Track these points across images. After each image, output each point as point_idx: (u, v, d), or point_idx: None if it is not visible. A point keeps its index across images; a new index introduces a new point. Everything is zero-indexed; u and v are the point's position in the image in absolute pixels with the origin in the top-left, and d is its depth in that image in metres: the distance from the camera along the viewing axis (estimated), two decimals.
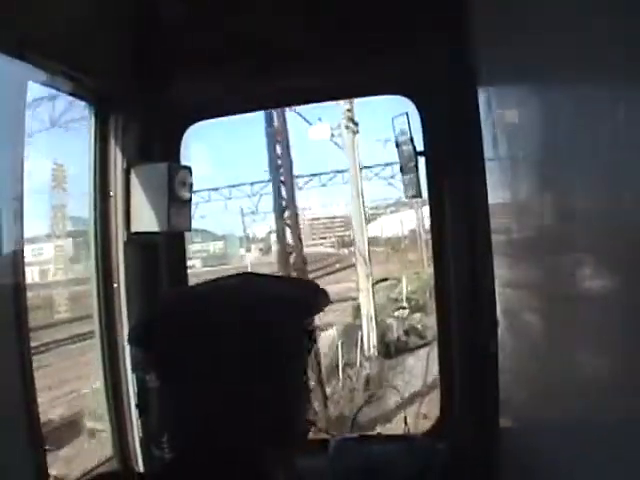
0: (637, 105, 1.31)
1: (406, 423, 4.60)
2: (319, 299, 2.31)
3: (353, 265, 44.23)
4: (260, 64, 4.45)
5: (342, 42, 4.34)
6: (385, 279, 39.63)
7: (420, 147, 4.58)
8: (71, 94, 4.54)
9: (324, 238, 58.38)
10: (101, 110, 4.64)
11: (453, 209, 4.40)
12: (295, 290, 2.32)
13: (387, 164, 38.24)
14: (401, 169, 4.72)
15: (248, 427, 2.04)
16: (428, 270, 35.58)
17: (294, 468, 2.33)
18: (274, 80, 4.68)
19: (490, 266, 3.62)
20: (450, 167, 4.38)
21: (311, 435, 4.75)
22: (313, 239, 57.60)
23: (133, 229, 4.66)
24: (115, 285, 4.65)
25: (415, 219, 44.13)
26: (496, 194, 3.43)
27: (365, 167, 35.87)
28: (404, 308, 33.78)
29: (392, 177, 39.21)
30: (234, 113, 5.50)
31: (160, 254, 4.91)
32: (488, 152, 3.44)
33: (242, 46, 4.36)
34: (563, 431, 2.17)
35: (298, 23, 4.35)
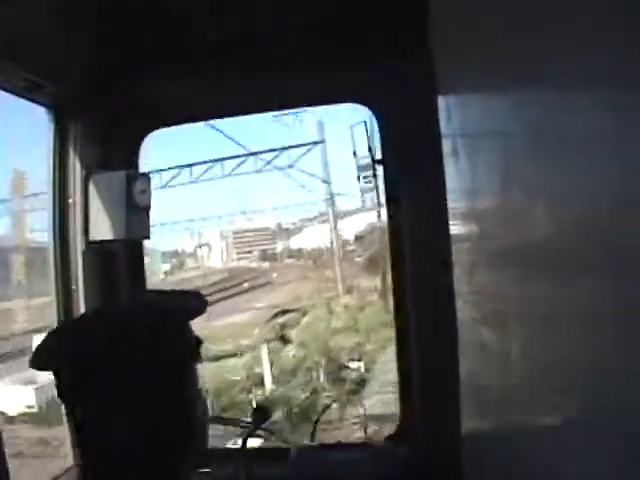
0: (599, 109, 1.32)
1: (366, 431, 4.61)
2: (196, 305, 2.44)
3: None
4: (216, 73, 4.45)
5: (301, 49, 4.35)
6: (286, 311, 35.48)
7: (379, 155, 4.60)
8: (30, 99, 4.51)
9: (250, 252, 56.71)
10: (60, 116, 4.62)
11: (411, 217, 4.42)
12: (170, 301, 2.46)
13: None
14: (358, 178, 4.73)
15: (150, 436, 2.13)
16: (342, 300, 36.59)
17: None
18: (236, 89, 4.68)
19: (449, 274, 3.63)
20: (408, 175, 4.39)
21: (272, 444, 4.76)
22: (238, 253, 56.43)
23: (91, 237, 4.64)
24: (74, 287, 4.63)
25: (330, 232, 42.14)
26: (455, 202, 3.45)
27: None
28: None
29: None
30: (191, 121, 5.49)
31: (118, 261, 4.89)
32: (447, 160, 3.46)
33: (202, 54, 4.36)
34: (526, 435, 2.18)
35: (251, 32, 4.35)
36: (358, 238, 40.73)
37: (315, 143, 35.65)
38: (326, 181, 36.91)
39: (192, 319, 2.34)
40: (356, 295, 37.44)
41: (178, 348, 2.24)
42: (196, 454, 2.32)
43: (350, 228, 42.42)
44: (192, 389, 2.28)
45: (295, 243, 49.92)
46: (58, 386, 2.20)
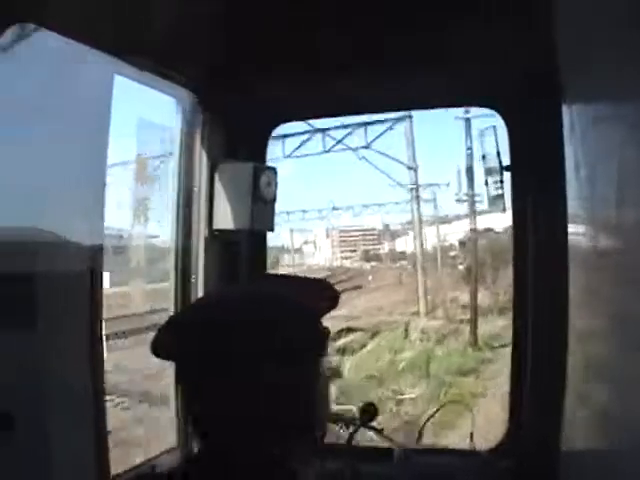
0: None
1: (472, 438, 4.56)
2: (331, 299, 2.37)
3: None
4: (347, 69, 4.46)
5: (434, 51, 4.33)
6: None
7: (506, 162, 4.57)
8: (161, 90, 4.58)
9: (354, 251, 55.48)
10: (189, 107, 4.69)
11: (535, 224, 4.37)
12: (303, 291, 2.36)
13: None
14: (486, 183, 4.70)
15: (268, 427, 2.10)
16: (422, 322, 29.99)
17: (313, 467, 2.37)
18: (359, 85, 4.68)
19: (566, 284, 3.59)
20: (534, 182, 4.35)
21: (377, 443, 4.75)
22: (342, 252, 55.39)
23: (215, 226, 4.70)
24: (193, 277, 4.70)
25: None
26: (575, 213, 3.41)
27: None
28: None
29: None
30: (320, 116, 5.52)
31: (241, 252, 4.94)
32: (569, 171, 3.43)
33: (331, 50, 4.38)
34: (630, 457, 2.14)
35: (383, 33, 4.35)
36: (462, 244, 37.21)
37: (397, 120, 29.64)
38: (412, 167, 31.69)
39: (323, 316, 2.28)
40: (442, 315, 31.34)
41: (305, 344, 2.19)
42: (313, 447, 2.30)
43: (455, 233, 39.10)
44: (314, 384, 2.23)
45: (400, 245, 48.61)
46: (177, 373, 2.24)
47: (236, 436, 2.09)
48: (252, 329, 2.08)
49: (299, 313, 2.20)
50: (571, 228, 3.59)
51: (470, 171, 28.93)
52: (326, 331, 2.26)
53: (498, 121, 4.65)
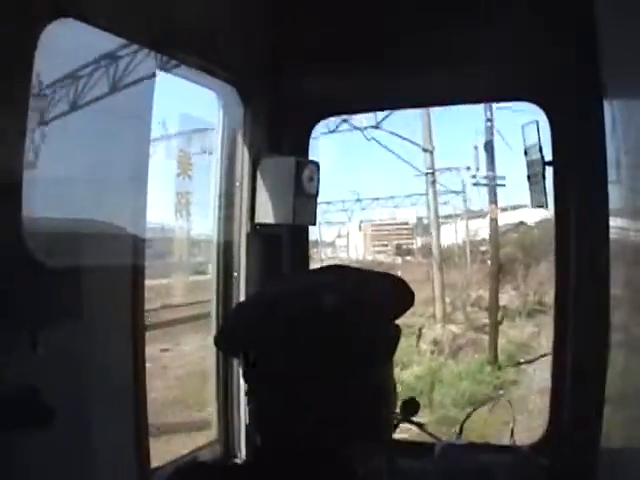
0: None
1: (512, 435, 4.55)
2: (407, 298, 2.28)
3: None
4: (391, 64, 4.46)
5: (474, 47, 4.33)
6: None
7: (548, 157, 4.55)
8: (202, 85, 4.61)
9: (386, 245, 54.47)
10: (231, 101, 4.71)
11: (577, 220, 4.36)
12: (385, 288, 2.26)
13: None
14: (528, 178, 4.68)
15: (336, 426, 2.05)
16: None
17: (380, 468, 2.33)
18: (401, 81, 4.69)
19: (607, 281, 3.58)
20: (576, 178, 4.34)
21: (418, 438, 4.76)
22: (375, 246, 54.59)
23: (257, 220, 4.72)
24: (235, 274, 4.72)
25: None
26: (615, 214, 3.40)
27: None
28: None
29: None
30: (363, 111, 5.53)
31: (283, 247, 4.97)
32: (611, 167, 3.41)
33: (374, 45, 4.39)
34: None
35: (429, 27, 4.35)
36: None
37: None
38: (427, 149, 26.85)
39: (398, 317, 2.21)
40: (462, 319, 27.09)
41: (381, 345, 2.13)
42: (372, 452, 2.24)
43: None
44: (382, 386, 2.17)
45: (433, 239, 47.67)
46: (244, 368, 2.16)
47: (302, 434, 2.06)
48: (328, 326, 2.02)
49: (378, 313, 2.14)
50: (612, 225, 3.58)
51: (490, 147, 24.50)
52: (399, 331, 2.21)
53: (540, 116, 4.63)
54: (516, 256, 29.62)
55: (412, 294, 2.29)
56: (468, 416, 4.76)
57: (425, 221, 35.61)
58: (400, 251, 50.78)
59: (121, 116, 3.75)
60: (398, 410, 4.27)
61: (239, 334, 2.16)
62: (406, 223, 44.56)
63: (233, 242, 4.76)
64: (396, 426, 4.22)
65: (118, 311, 3.70)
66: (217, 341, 2.22)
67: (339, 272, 2.33)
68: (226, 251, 4.76)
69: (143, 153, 3.88)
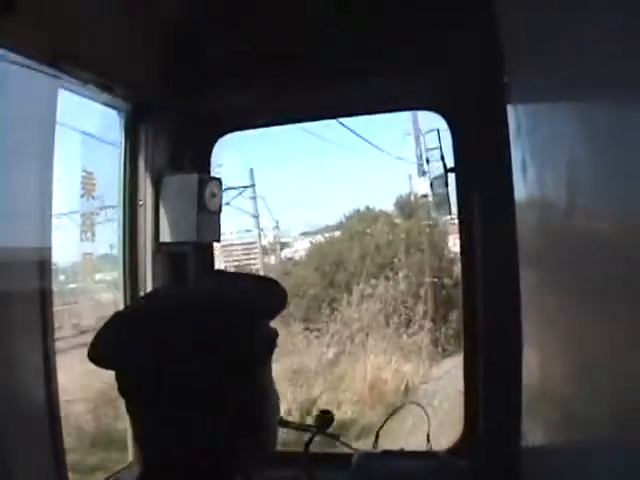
0: None
1: (429, 440, 4.57)
2: (281, 299, 2.26)
3: None
4: (293, 77, 4.47)
5: (374, 56, 4.35)
6: None
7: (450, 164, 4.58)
8: (102, 103, 4.56)
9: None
10: (132, 119, 4.67)
11: (482, 226, 4.40)
12: (256, 289, 2.25)
13: None
14: (431, 185, 4.72)
15: (216, 434, 2.01)
16: None
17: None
18: (306, 93, 4.69)
19: (517, 286, 3.60)
20: (479, 185, 4.37)
21: (335, 449, 4.74)
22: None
23: (162, 239, 4.68)
24: (142, 294, 4.67)
25: None
26: (523, 215, 3.43)
27: None
28: None
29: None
30: (265, 125, 5.50)
31: (188, 264, 4.93)
32: (516, 171, 3.44)
33: (275, 58, 4.38)
34: (591, 456, 2.14)
35: (328, 35, 4.37)
36: None
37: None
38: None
39: (272, 318, 2.19)
40: None
41: (251, 346, 2.08)
42: (262, 457, 2.21)
43: None
44: (264, 388, 2.15)
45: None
46: (118, 383, 2.06)
47: (185, 447, 1.99)
48: (197, 330, 1.97)
49: (250, 313, 2.10)
50: (519, 231, 3.61)
51: None
52: (275, 333, 2.19)
53: (440, 123, 4.67)
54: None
55: (285, 295, 2.27)
56: (383, 423, 4.77)
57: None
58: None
59: (23, 137, 3.69)
60: (313, 423, 4.27)
61: (107, 348, 2.06)
62: (253, 243, 43.66)
63: (139, 261, 4.70)
64: (311, 439, 4.21)
65: (26, 338, 3.64)
66: (89, 354, 2.14)
67: (216, 277, 2.37)
68: (132, 271, 4.71)
69: (47, 176, 3.82)
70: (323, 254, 30.24)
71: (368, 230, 30.68)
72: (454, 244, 30.96)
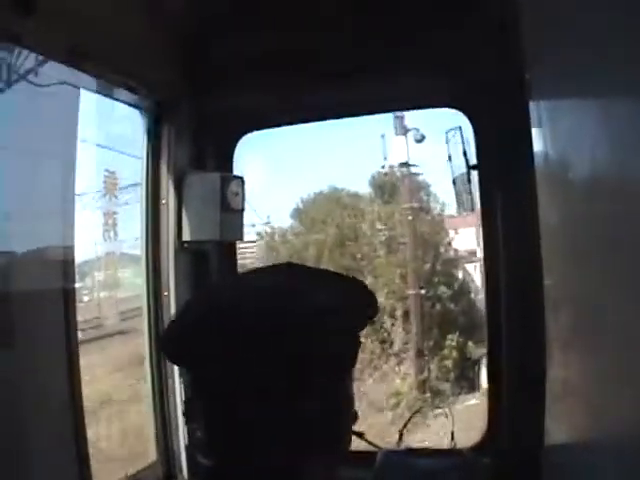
0: None
1: (452, 437, 4.55)
2: (373, 306, 2.09)
3: None
4: (314, 76, 4.46)
5: (395, 55, 4.35)
6: None
7: (473, 161, 4.57)
8: (125, 102, 4.57)
9: None
10: (154, 118, 4.68)
11: (505, 223, 4.38)
12: (349, 295, 2.05)
13: None
14: (453, 182, 4.70)
15: (291, 443, 1.91)
16: None
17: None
18: (328, 92, 4.69)
19: (540, 283, 3.59)
20: (502, 181, 4.36)
21: (358, 447, 4.75)
22: None
23: (184, 238, 4.69)
24: (165, 293, 4.67)
25: None
26: (547, 209, 3.41)
27: None
28: None
29: None
30: (287, 124, 5.50)
31: (211, 263, 4.93)
32: (539, 167, 3.42)
33: (296, 57, 4.38)
34: (611, 455, 2.13)
35: (349, 35, 4.37)
36: None
37: None
38: None
39: (361, 328, 2.06)
40: None
41: (343, 357, 1.98)
42: (340, 459, 2.13)
43: None
44: (345, 393, 2.03)
45: None
46: (190, 380, 1.99)
47: (258, 449, 1.91)
48: (279, 336, 1.85)
49: (338, 321, 1.94)
50: (543, 226, 3.59)
51: None
52: (359, 342, 2.04)
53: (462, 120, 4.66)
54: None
55: (376, 301, 2.12)
56: (407, 421, 4.76)
57: None
58: None
59: (46, 137, 3.71)
60: None
61: (182, 345, 1.98)
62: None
63: (161, 260, 4.71)
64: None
65: (50, 336, 3.65)
66: (163, 347, 2.03)
67: (293, 272, 2.12)
68: (155, 270, 4.71)
69: (69, 175, 3.83)
70: (271, 252, 24.86)
71: (330, 219, 24.84)
72: (456, 240, 26.28)
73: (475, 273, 28.26)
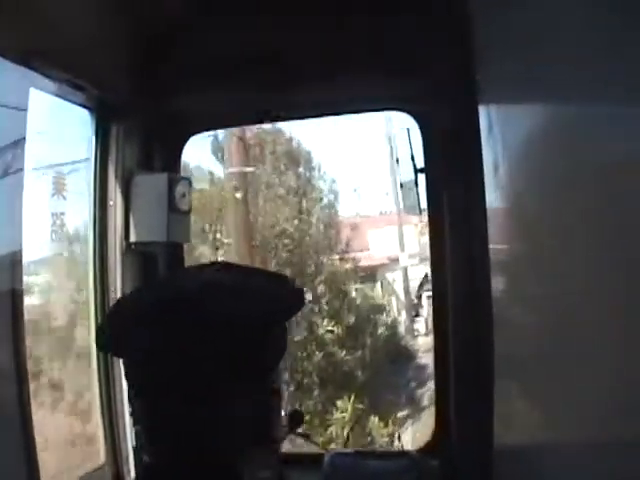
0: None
1: (399, 439, 4.58)
2: (299, 298, 2.13)
3: None
4: (261, 78, 4.46)
5: (343, 57, 4.35)
6: None
7: (420, 164, 4.59)
8: (73, 102, 4.54)
9: None
10: (103, 118, 4.65)
11: (452, 226, 4.40)
12: (276, 287, 2.08)
13: None
14: (401, 185, 4.72)
15: (225, 435, 1.93)
16: None
17: (273, 474, 2.23)
18: (274, 94, 4.68)
19: (488, 283, 3.61)
20: (450, 184, 4.38)
21: (305, 449, 4.75)
22: None
23: (132, 239, 4.67)
24: (112, 294, 4.65)
25: None
26: (495, 212, 3.43)
27: None
28: None
29: None
30: (234, 125, 5.51)
31: (158, 265, 4.91)
32: (488, 170, 3.44)
33: (244, 59, 4.38)
34: (562, 454, 2.15)
35: (299, 37, 4.37)
36: None
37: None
38: None
39: (288, 318, 2.07)
40: None
41: (269, 341, 1.99)
42: (266, 459, 2.14)
43: None
44: (273, 384, 2.03)
45: None
46: (126, 371, 1.98)
47: (188, 442, 1.91)
48: (216, 324, 1.86)
49: (268, 314, 1.97)
50: (490, 231, 3.61)
51: None
52: (286, 336, 2.07)
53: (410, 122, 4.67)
54: None
55: (302, 293, 2.16)
56: (354, 424, 4.77)
57: None
58: None
59: None
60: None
61: (119, 331, 1.98)
62: None
63: (109, 260, 4.67)
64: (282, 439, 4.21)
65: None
66: (97, 340, 2.04)
67: (224, 270, 2.14)
68: (102, 271, 4.68)
69: (17, 175, 3.80)
70: None
71: None
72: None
73: (395, 285, 27.26)
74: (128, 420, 4.55)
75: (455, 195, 4.34)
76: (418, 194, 4.61)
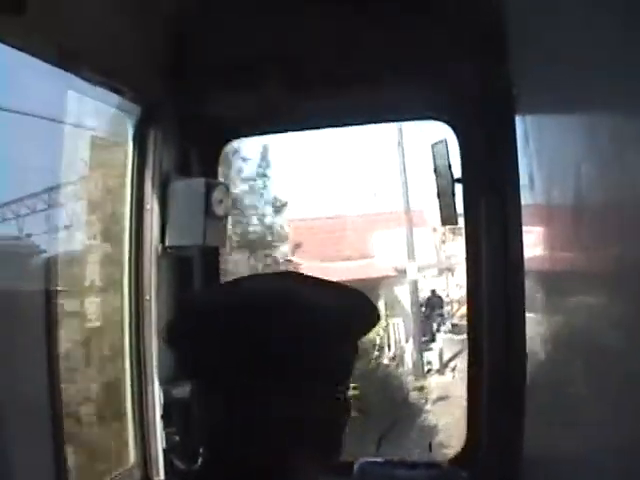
0: None
1: (430, 450, 4.55)
2: (374, 315, 2.08)
3: None
4: (300, 84, 4.46)
5: (382, 66, 4.35)
6: None
7: (458, 174, 4.57)
8: (112, 106, 4.57)
9: None
10: (141, 123, 4.67)
11: (488, 237, 4.38)
12: (350, 304, 2.03)
13: None
14: (438, 195, 4.70)
15: (284, 445, 1.91)
16: None
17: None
18: (313, 101, 4.68)
19: (522, 296, 3.59)
20: (486, 195, 4.36)
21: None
22: None
23: (168, 243, 4.69)
24: (147, 298, 4.66)
25: None
26: (531, 223, 3.42)
27: None
28: None
29: None
30: (273, 132, 5.51)
31: (194, 269, 4.92)
32: (524, 181, 3.43)
33: (283, 65, 4.38)
34: (589, 466, 2.14)
35: (335, 46, 4.37)
36: None
37: None
38: None
39: (360, 338, 2.05)
40: None
41: (340, 357, 1.97)
42: (331, 465, 2.16)
43: None
44: (341, 399, 1.99)
45: None
46: (193, 367, 1.99)
47: (260, 443, 1.90)
48: (281, 340, 1.85)
49: (339, 330, 1.95)
50: (527, 242, 3.59)
51: None
52: (357, 350, 2.04)
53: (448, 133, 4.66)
54: None
55: (377, 312, 2.11)
56: (386, 432, 4.75)
57: None
58: None
59: (31, 138, 3.71)
60: None
61: (191, 328, 1.98)
62: None
63: (144, 264, 4.69)
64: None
65: (31, 337, 3.65)
66: (167, 334, 2.03)
67: (298, 279, 2.12)
68: (137, 274, 4.70)
69: (55, 176, 3.83)
70: None
71: None
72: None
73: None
74: (159, 422, 4.56)
75: (492, 205, 4.32)
76: (455, 204, 4.59)
